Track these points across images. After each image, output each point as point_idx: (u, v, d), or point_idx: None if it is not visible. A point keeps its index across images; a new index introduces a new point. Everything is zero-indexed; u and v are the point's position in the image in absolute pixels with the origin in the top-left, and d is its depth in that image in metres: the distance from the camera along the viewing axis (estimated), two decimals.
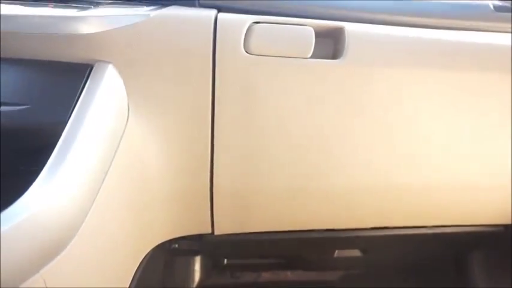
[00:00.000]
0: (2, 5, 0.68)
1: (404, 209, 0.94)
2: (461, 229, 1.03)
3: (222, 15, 0.73)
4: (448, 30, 0.81)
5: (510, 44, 0.82)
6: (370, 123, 0.82)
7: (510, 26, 0.84)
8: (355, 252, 1.12)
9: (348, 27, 0.77)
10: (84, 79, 0.64)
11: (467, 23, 0.83)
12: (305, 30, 0.75)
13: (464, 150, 0.87)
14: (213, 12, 0.73)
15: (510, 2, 0.87)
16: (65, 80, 0.65)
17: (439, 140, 0.86)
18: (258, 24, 0.75)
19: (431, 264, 1.22)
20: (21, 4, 0.72)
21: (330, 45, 0.80)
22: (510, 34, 0.83)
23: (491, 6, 0.86)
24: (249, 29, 0.74)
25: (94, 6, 0.73)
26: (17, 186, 0.50)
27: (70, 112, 0.60)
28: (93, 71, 0.66)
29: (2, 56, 0.64)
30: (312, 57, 0.76)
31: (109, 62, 0.68)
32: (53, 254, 0.51)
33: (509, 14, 0.85)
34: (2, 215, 0.46)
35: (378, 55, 0.78)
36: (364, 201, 0.90)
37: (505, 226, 1.04)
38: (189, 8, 0.74)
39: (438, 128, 0.85)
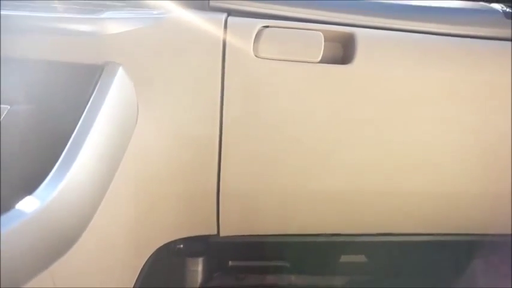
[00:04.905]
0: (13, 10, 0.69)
1: (410, 215, 0.94)
2: (465, 237, 1.02)
3: (232, 19, 0.74)
4: (459, 37, 0.81)
5: None
6: (379, 129, 0.82)
7: None
8: (361, 258, 1.12)
9: (358, 33, 0.77)
10: (95, 80, 0.65)
11: (479, 30, 0.83)
12: (314, 35, 0.76)
13: (471, 158, 0.87)
14: (223, 15, 0.74)
15: None
16: (76, 80, 0.66)
17: (447, 147, 0.85)
18: (268, 28, 0.75)
19: (436, 271, 1.22)
20: (32, 8, 0.73)
21: (338, 49, 0.80)
22: None
23: (502, 14, 0.86)
24: (258, 33, 0.74)
25: (106, 9, 0.74)
26: (28, 183, 0.51)
27: (81, 113, 0.61)
28: (103, 72, 0.67)
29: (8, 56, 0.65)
30: (320, 61, 0.76)
31: (119, 64, 0.69)
32: (61, 251, 0.51)
33: None
34: (11, 212, 0.47)
35: (388, 61, 0.78)
36: (370, 207, 0.90)
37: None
38: (200, 11, 0.74)
39: (447, 135, 0.84)
